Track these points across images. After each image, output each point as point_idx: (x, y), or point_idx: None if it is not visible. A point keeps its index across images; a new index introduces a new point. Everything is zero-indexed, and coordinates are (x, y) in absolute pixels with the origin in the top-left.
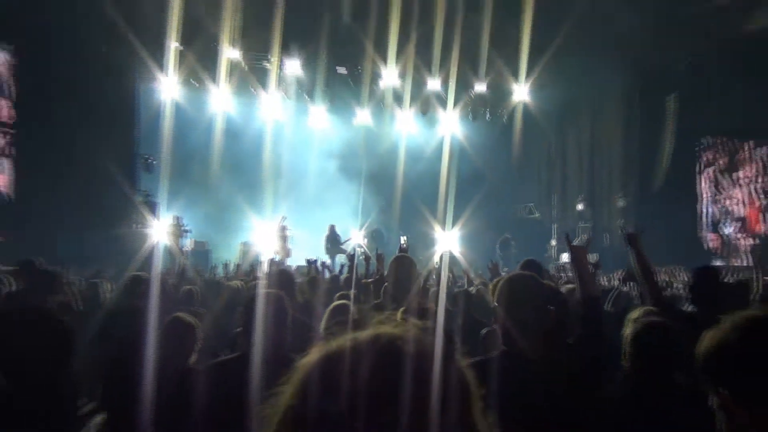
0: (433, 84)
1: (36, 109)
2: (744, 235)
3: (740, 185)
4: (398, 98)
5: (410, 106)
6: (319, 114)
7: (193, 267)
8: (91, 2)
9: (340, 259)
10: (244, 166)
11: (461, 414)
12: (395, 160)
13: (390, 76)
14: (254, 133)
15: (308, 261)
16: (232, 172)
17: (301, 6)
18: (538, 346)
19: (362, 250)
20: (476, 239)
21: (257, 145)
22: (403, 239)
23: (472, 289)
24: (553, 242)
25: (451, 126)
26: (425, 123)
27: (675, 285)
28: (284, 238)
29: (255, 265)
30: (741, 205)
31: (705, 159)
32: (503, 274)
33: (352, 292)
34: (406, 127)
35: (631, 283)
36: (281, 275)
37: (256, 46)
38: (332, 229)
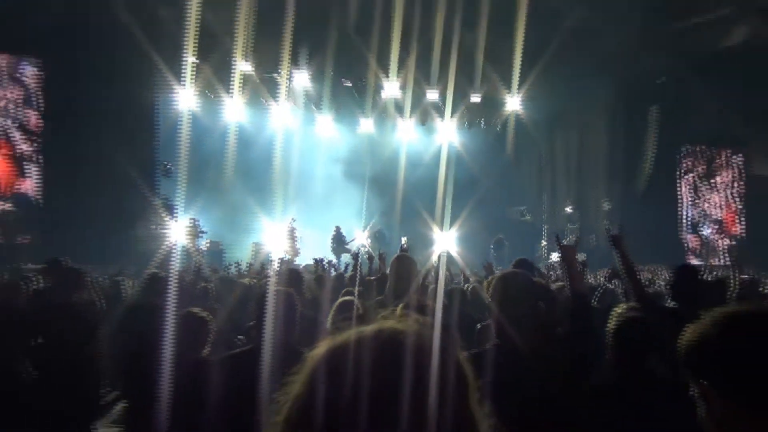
0: (432, 95)
1: (63, 119)
2: (721, 236)
3: (717, 190)
4: (399, 108)
5: (410, 115)
6: (326, 123)
7: (208, 265)
8: (114, 20)
9: (345, 258)
10: (256, 172)
11: (459, 402)
12: (396, 165)
13: (391, 88)
14: (265, 140)
15: (315, 260)
16: (245, 177)
17: (309, 23)
18: (530, 339)
19: (366, 249)
20: (472, 240)
21: (268, 152)
22: (404, 240)
23: (467, 287)
24: (544, 242)
25: (448, 134)
26: (424, 131)
27: (657, 282)
28: (293, 239)
29: (266, 263)
30: (718, 209)
31: (685, 165)
32: (497, 272)
33: (356, 289)
34: (406, 135)
35: (616, 281)
36: (290, 273)
37: (267, 60)
38: (338, 229)
